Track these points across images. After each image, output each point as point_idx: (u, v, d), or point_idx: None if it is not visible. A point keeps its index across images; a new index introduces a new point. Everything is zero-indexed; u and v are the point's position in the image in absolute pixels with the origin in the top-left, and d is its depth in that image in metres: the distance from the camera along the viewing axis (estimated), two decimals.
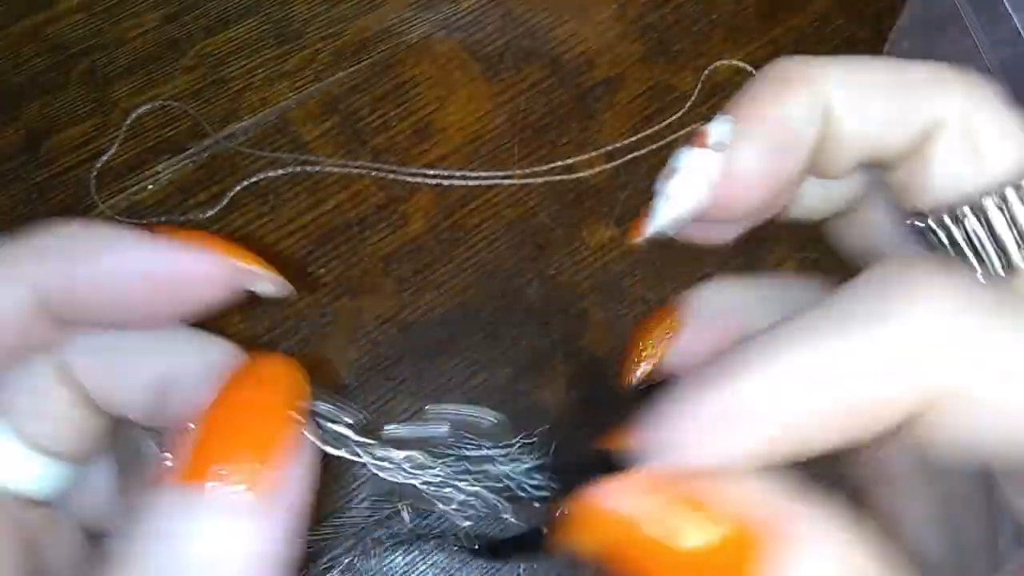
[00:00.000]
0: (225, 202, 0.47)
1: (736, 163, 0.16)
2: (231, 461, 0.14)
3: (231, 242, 0.17)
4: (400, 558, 0.41)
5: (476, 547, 0.20)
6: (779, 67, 0.17)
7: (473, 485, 0.18)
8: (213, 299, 0.17)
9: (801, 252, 0.48)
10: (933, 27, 0.48)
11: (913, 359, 0.13)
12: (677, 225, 0.17)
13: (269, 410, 0.15)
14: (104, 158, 0.48)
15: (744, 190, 0.17)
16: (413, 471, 0.18)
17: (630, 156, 0.49)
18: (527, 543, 0.18)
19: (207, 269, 0.17)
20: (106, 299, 0.16)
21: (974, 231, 0.15)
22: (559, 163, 0.49)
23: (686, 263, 0.47)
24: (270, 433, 0.15)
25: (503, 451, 0.19)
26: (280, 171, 0.48)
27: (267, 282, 0.18)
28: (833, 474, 0.17)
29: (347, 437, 0.18)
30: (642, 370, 0.20)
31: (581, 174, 0.49)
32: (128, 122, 0.49)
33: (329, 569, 0.41)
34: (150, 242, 0.17)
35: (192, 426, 0.15)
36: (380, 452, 0.18)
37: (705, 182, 0.16)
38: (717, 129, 0.16)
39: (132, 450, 0.19)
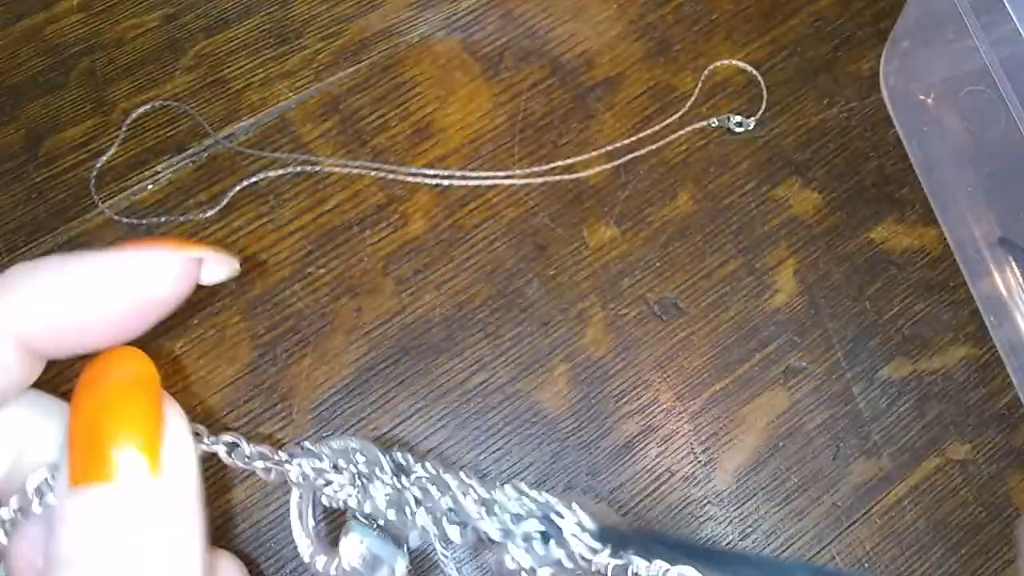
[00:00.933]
0: (225, 202, 0.47)
1: None
2: (122, 448, 0.15)
3: (172, 238, 0.18)
4: None
5: None
6: None
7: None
8: (175, 296, 0.18)
9: (800, 252, 0.48)
10: (932, 27, 0.48)
11: None
12: None
13: (136, 393, 0.16)
14: (104, 158, 0.48)
15: None
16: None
17: (630, 156, 0.49)
18: None
19: (163, 267, 0.18)
20: (83, 328, 0.18)
21: None
22: (559, 163, 0.49)
23: (686, 263, 0.47)
24: (143, 413, 0.16)
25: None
26: (280, 171, 0.48)
27: (217, 266, 0.19)
28: None
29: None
30: None
31: (581, 174, 0.49)
32: (128, 122, 0.49)
33: None
34: (108, 257, 0.18)
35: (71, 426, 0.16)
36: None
37: None
38: None
39: None
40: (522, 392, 0.44)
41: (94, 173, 0.48)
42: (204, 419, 0.43)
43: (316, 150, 0.48)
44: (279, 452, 0.19)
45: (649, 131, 0.50)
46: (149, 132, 0.49)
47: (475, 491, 0.18)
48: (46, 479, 0.16)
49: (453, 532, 0.18)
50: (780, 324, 0.46)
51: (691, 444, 0.44)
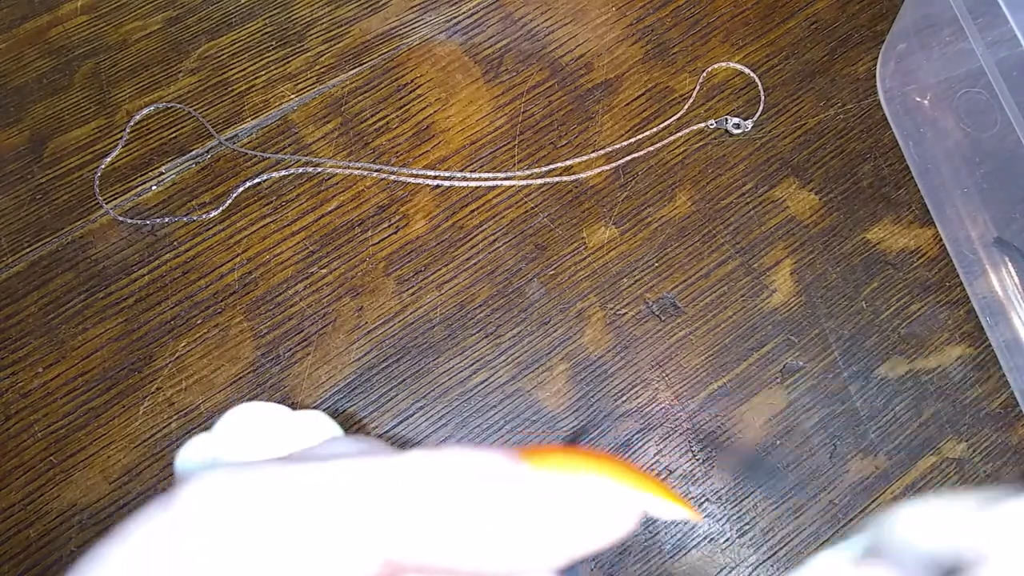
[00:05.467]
0: (228, 203, 0.47)
1: None
2: None
3: (627, 467, 0.14)
4: None
5: None
6: None
7: None
8: (606, 541, 0.14)
9: (797, 252, 0.48)
10: (929, 29, 0.48)
11: None
12: None
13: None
14: (108, 159, 0.48)
15: None
16: None
17: (629, 157, 0.49)
18: None
19: (607, 515, 0.14)
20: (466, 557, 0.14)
21: None
22: (559, 164, 0.49)
23: (684, 263, 0.47)
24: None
25: None
26: (283, 172, 0.48)
27: (670, 512, 0.15)
28: None
29: None
30: None
31: (580, 175, 0.49)
32: (132, 124, 0.49)
33: None
34: (518, 482, 0.14)
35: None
36: None
37: None
38: None
39: None
40: (522, 391, 0.45)
41: (98, 174, 0.48)
42: (207, 418, 0.43)
43: (318, 152, 0.49)
44: None
45: (648, 133, 0.50)
46: (153, 134, 0.49)
47: None
48: None
49: None
50: (777, 324, 0.47)
51: (689, 442, 0.44)
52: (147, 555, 0.13)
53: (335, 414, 0.44)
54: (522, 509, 0.14)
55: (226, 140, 0.49)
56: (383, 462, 0.14)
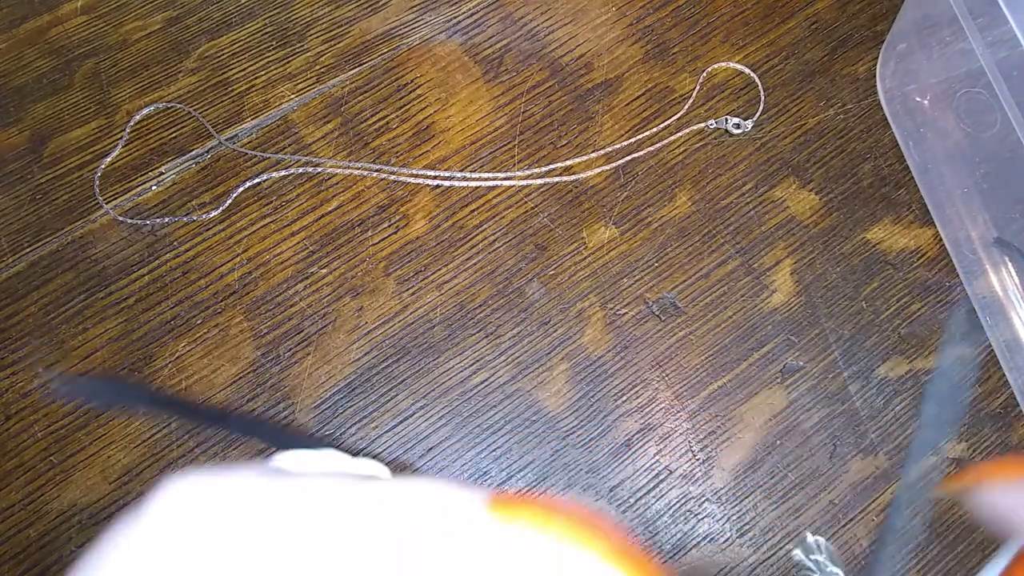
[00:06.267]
0: (228, 203, 0.47)
1: None
2: None
3: (598, 532, 0.14)
4: None
5: None
6: None
7: None
8: None
9: (797, 252, 0.48)
10: (929, 30, 0.48)
11: None
12: None
13: None
14: (108, 159, 0.48)
15: None
16: None
17: (629, 157, 0.49)
18: None
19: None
20: None
21: None
22: (559, 164, 0.49)
23: (684, 263, 0.47)
24: None
25: None
26: (283, 172, 0.48)
27: None
28: None
29: None
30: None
31: (580, 175, 0.49)
32: (132, 124, 0.49)
33: None
34: (479, 531, 0.13)
35: None
36: None
37: None
38: None
39: None
40: (522, 391, 0.45)
41: (98, 174, 0.48)
42: None
43: (318, 152, 0.49)
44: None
45: (648, 133, 0.50)
46: (153, 134, 0.49)
47: None
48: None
49: None
50: (777, 324, 0.47)
51: (689, 442, 0.44)
52: (123, 557, 0.13)
53: (335, 414, 0.44)
54: (477, 557, 0.13)
55: (226, 140, 0.49)
56: (355, 484, 0.14)
